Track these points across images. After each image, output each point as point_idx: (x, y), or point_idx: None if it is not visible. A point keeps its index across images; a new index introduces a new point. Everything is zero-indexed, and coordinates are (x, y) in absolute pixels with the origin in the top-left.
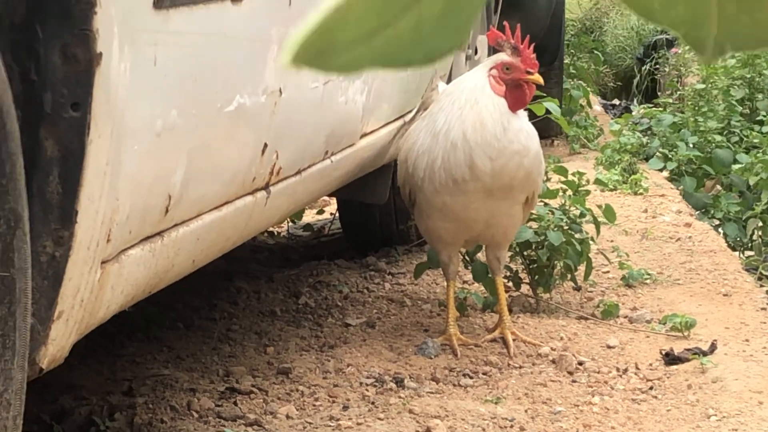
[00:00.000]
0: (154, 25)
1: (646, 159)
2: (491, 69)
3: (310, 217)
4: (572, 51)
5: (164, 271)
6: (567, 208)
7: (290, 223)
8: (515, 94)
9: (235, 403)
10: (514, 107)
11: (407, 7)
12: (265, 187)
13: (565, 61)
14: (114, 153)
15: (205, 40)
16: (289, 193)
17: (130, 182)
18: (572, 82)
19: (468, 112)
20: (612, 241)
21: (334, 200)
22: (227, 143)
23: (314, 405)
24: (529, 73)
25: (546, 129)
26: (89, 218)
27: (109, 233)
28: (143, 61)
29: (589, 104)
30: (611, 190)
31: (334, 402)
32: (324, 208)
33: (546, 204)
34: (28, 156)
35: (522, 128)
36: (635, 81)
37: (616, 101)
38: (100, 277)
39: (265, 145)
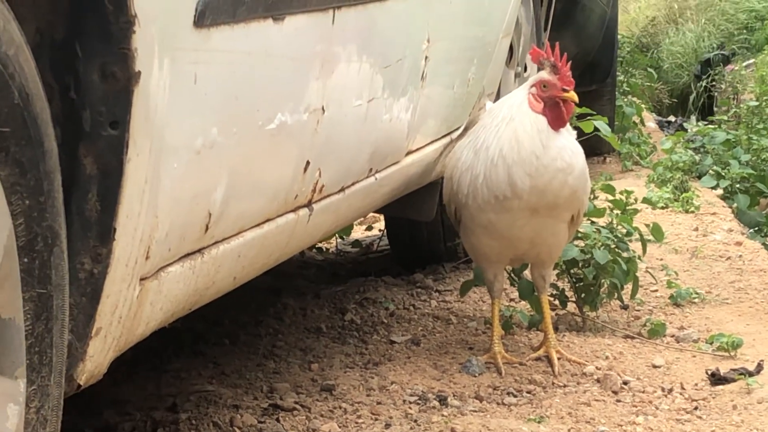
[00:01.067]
0: (195, 43)
1: (699, 177)
2: (531, 87)
3: (359, 233)
4: (626, 68)
5: (204, 288)
6: (614, 226)
7: (339, 239)
8: (554, 112)
9: (278, 420)
10: (554, 125)
11: None
12: (308, 204)
13: (619, 78)
14: (153, 171)
15: (247, 58)
16: (332, 211)
17: (169, 200)
18: (626, 99)
19: (504, 129)
20: (661, 259)
21: (382, 216)
22: (268, 161)
23: (357, 423)
24: (565, 90)
25: (598, 146)
26: (127, 235)
27: (148, 250)
28: (183, 79)
29: (642, 121)
30: (662, 208)
31: (376, 420)
32: (373, 225)
33: (593, 222)
34: (67, 174)
35: (566, 146)
36: (691, 98)
37: (671, 118)
38: (139, 294)
39: (308, 163)
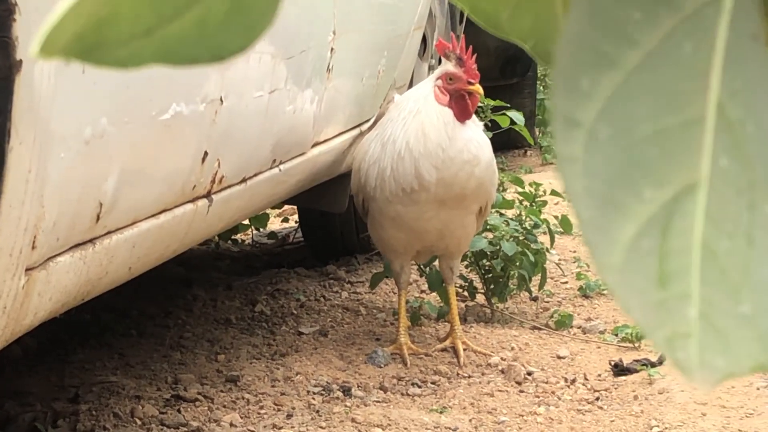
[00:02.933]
0: None
1: None
2: (437, 79)
3: (276, 225)
4: None
5: (97, 278)
6: (522, 218)
7: (255, 231)
8: (460, 105)
9: (179, 411)
10: (460, 117)
11: (190, 3)
12: (207, 195)
13: (540, 71)
14: (38, 160)
15: None
16: (233, 201)
17: (56, 189)
18: (547, 92)
19: (411, 122)
20: (574, 251)
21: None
22: (163, 151)
23: (259, 413)
24: (470, 83)
25: (518, 139)
26: (11, 225)
27: (35, 240)
28: (70, 68)
29: None
30: None
31: (279, 410)
32: (289, 217)
33: (501, 214)
34: None
35: (472, 138)
36: None
37: None
38: (25, 284)
39: (206, 153)
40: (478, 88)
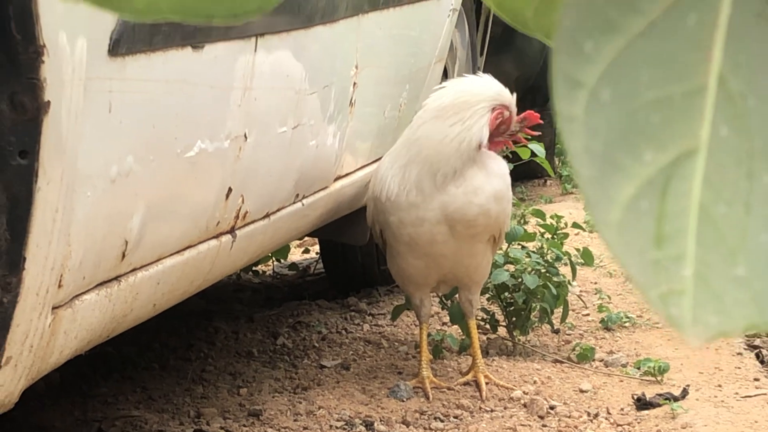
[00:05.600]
0: (109, 72)
1: None
2: (503, 110)
3: (296, 256)
4: None
5: (122, 315)
6: (544, 251)
7: (276, 262)
8: (497, 143)
9: None
10: (491, 145)
11: None
12: (231, 230)
13: None
14: (65, 199)
15: (164, 87)
16: (257, 237)
17: (83, 228)
18: None
19: (431, 130)
20: (595, 283)
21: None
22: (188, 188)
23: None
24: (514, 140)
25: (538, 169)
26: (38, 264)
27: (61, 279)
28: (97, 108)
29: None
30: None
31: None
32: (310, 248)
33: (523, 247)
34: None
35: (480, 170)
36: None
37: None
38: (52, 323)
39: (230, 190)
40: (514, 141)
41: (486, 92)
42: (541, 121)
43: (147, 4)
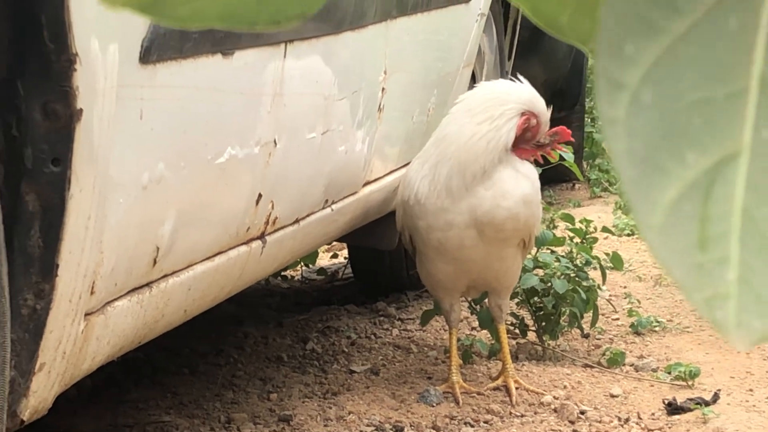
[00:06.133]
0: (140, 79)
1: None
2: (527, 118)
3: (324, 260)
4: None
5: (154, 321)
6: (573, 255)
7: (304, 267)
8: (525, 151)
9: None
10: (517, 152)
11: None
12: (261, 236)
13: (588, 104)
14: (97, 206)
15: (195, 94)
16: (286, 242)
17: (115, 235)
18: (595, 126)
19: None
20: (625, 287)
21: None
22: (219, 194)
23: None
24: (541, 151)
25: (566, 173)
26: (71, 271)
27: (93, 285)
28: (128, 115)
29: None
30: (628, 235)
31: None
32: (338, 252)
33: (552, 251)
34: (9, 211)
35: (510, 172)
36: None
37: None
38: (84, 329)
39: (260, 196)
40: (542, 154)
41: (517, 95)
42: (573, 139)
43: (191, 12)
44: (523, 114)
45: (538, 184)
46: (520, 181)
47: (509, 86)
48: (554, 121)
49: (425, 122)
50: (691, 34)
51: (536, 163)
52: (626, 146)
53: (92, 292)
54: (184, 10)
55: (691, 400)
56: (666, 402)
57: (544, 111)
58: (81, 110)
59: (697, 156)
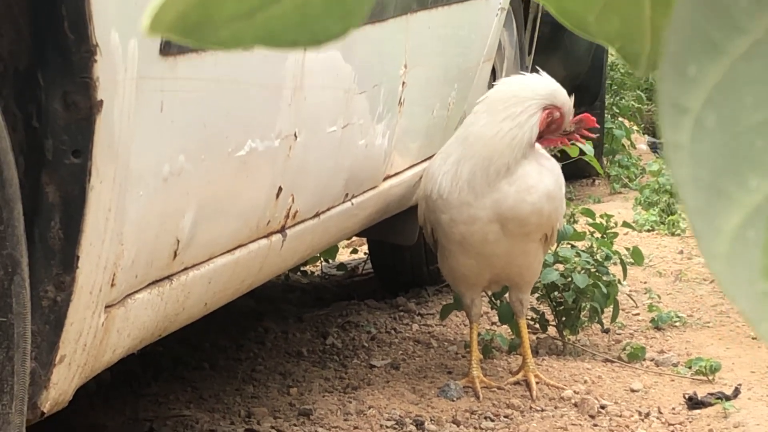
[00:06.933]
0: (161, 71)
1: None
2: (554, 110)
3: (344, 256)
4: (617, 89)
5: (174, 314)
6: (594, 250)
7: (324, 263)
8: (548, 140)
9: None
10: (543, 142)
11: None
12: (281, 230)
13: (608, 100)
14: (118, 198)
15: (215, 86)
16: (306, 236)
17: (135, 227)
18: (615, 122)
19: (493, 127)
20: (645, 282)
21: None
22: (239, 187)
23: None
24: (569, 139)
25: (586, 169)
26: (91, 263)
27: (114, 277)
28: (149, 107)
29: (632, 144)
30: (648, 230)
31: None
32: (358, 248)
33: (573, 246)
34: (30, 202)
35: (533, 168)
36: None
37: None
38: (105, 321)
39: (280, 189)
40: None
41: (539, 90)
42: (597, 125)
43: (232, 35)
44: (545, 108)
45: (562, 179)
46: (544, 175)
47: (530, 81)
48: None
49: (446, 117)
50: (753, 52)
51: (556, 159)
52: (691, 173)
53: (113, 285)
54: (225, 33)
55: (711, 394)
56: (686, 397)
57: (566, 102)
58: (101, 102)
59: (760, 179)
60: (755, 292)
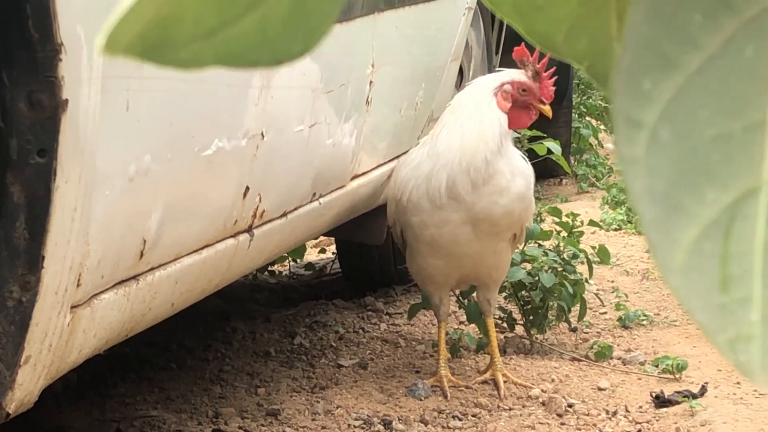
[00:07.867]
0: (126, 70)
1: None
2: (504, 84)
3: (312, 256)
4: (584, 89)
5: (141, 314)
6: (561, 249)
7: (292, 262)
8: (519, 116)
9: None
10: (513, 125)
11: (251, 5)
12: (248, 229)
13: (576, 99)
14: (83, 198)
15: (182, 85)
16: (274, 235)
17: (101, 227)
18: (582, 121)
19: (466, 129)
20: (612, 281)
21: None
22: (206, 187)
23: None
24: (542, 102)
25: (554, 168)
26: (57, 263)
27: (79, 278)
28: (114, 106)
29: (599, 143)
30: (615, 229)
31: None
32: (326, 247)
33: (540, 245)
34: None
35: (505, 168)
36: None
37: None
38: (70, 322)
39: (247, 188)
40: (548, 110)
41: (489, 79)
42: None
43: (192, 55)
44: (502, 85)
45: (532, 180)
46: (516, 178)
47: (482, 78)
48: (542, 116)
49: (413, 116)
50: (707, 67)
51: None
52: (646, 186)
53: (78, 285)
54: (185, 53)
55: (678, 393)
56: (653, 395)
57: (523, 73)
58: (66, 101)
59: (716, 193)
60: (712, 305)
